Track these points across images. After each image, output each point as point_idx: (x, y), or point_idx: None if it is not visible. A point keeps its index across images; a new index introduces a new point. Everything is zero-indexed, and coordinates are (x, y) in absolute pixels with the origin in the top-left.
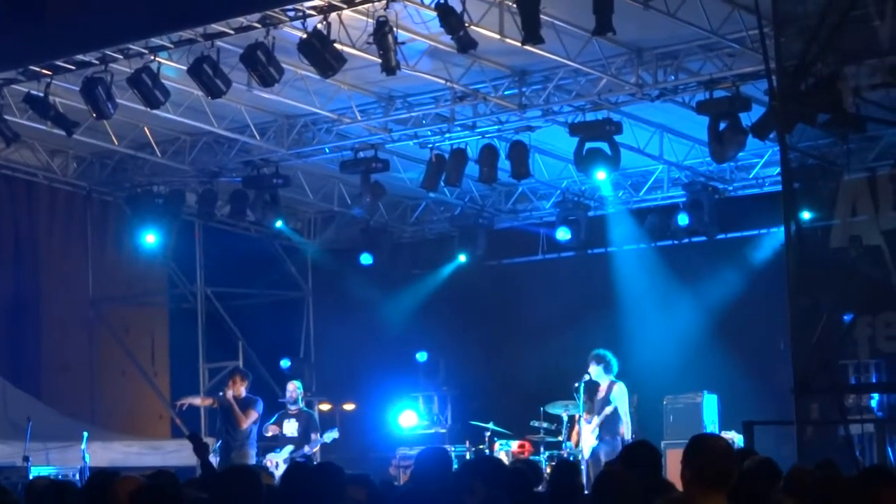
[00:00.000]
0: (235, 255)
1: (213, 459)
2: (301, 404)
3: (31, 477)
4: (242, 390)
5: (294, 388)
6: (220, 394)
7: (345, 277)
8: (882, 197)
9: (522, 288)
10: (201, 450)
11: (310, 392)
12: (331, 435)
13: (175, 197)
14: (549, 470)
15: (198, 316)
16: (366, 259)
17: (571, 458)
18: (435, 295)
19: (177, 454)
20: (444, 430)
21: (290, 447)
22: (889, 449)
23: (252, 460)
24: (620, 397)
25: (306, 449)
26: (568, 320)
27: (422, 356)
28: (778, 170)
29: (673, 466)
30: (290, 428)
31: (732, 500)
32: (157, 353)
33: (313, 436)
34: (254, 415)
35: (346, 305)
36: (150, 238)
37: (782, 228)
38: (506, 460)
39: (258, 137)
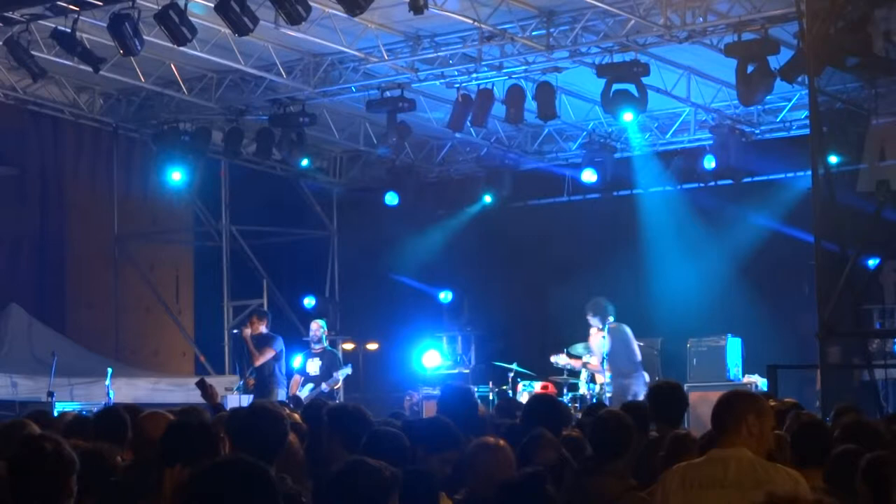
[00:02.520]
0: (261, 194)
1: (239, 397)
2: (325, 343)
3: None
4: (262, 328)
5: (318, 326)
6: (236, 331)
7: (370, 217)
8: None
9: (547, 229)
10: (208, 395)
11: (333, 331)
12: (344, 371)
13: (201, 134)
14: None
15: (222, 254)
16: (391, 199)
17: (594, 399)
18: (460, 236)
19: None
20: (467, 371)
21: (310, 385)
22: None
23: (276, 397)
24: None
25: (324, 386)
26: (593, 262)
27: (446, 297)
28: (806, 113)
29: (696, 408)
30: (314, 366)
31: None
32: (181, 290)
33: (335, 374)
34: (270, 352)
35: (370, 245)
36: (176, 175)
37: (809, 172)
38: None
39: (285, 76)
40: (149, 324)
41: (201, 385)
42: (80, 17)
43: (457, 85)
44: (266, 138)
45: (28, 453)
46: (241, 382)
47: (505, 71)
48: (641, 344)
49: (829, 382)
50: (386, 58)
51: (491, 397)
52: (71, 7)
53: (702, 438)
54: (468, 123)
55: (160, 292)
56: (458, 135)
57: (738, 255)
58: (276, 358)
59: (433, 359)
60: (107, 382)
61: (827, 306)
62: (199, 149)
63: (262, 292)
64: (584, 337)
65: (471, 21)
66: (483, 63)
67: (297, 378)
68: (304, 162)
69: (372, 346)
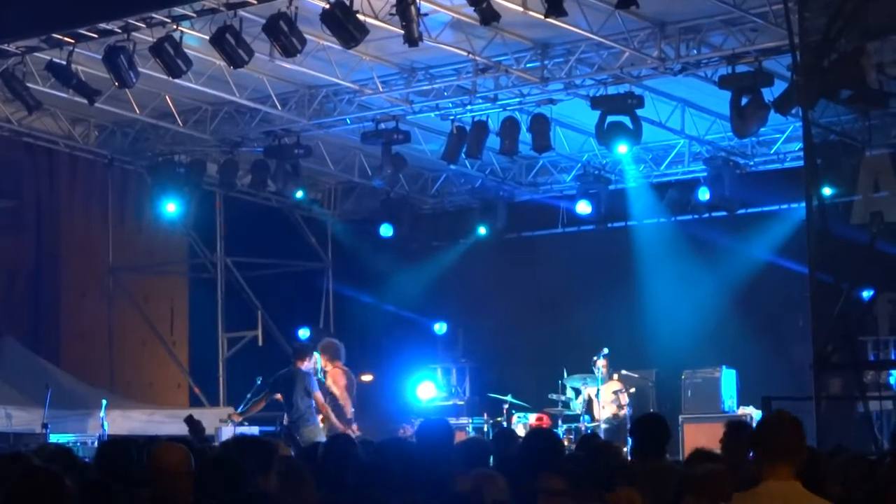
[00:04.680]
0: (256, 226)
1: (234, 429)
2: (320, 375)
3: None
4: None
5: (316, 359)
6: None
7: (365, 249)
8: None
9: (542, 261)
10: (197, 430)
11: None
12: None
13: (196, 166)
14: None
15: (217, 286)
16: (386, 230)
17: (589, 431)
18: (455, 267)
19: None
20: (461, 402)
21: None
22: None
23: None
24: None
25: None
26: (587, 294)
27: (441, 328)
28: (799, 145)
29: (690, 440)
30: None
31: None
32: (176, 322)
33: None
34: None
35: (365, 276)
36: (171, 207)
37: (803, 204)
38: (523, 433)
39: (280, 108)
40: (143, 355)
41: (190, 421)
42: (76, 50)
43: (451, 117)
44: (261, 170)
45: (28, 484)
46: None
47: (500, 103)
48: (635, 376)
49: (825, 414)
50: (381, 90)
51: (486, 429)
52: (66, 39)
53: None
54: (463, 155)
55: (154, 324)
56: (452, 167)
57: (733, 287)
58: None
59: (428, 390)
60: (101, 414)
61: (821, 338)
62: (194, 180)
63: (256, 324)
64: (581, 368)
65: (465, 53)
66: (478, 95)
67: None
68: (299, 194)
69: (366, 378)
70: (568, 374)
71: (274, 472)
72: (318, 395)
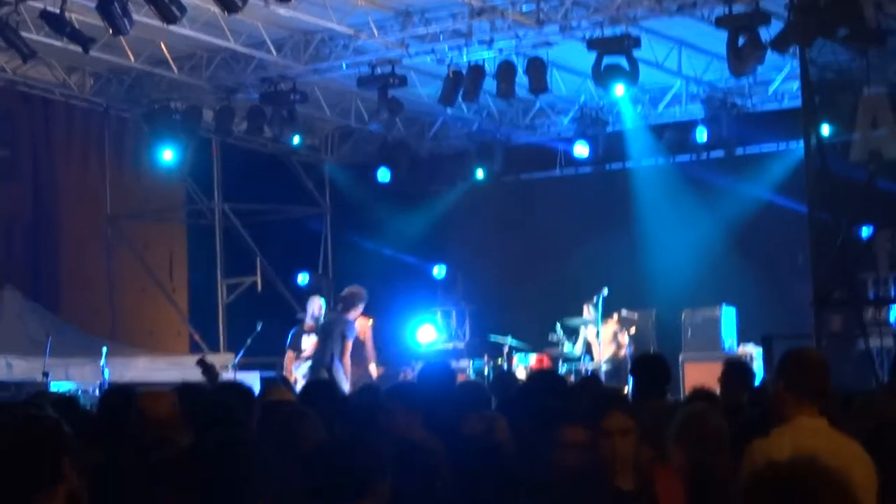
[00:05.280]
0: (253, 172)
1: (234, 374)
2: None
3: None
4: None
5: (320, 305)
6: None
7: (362, 193)
8: None
9: (540, 203)
10: (211, 375)
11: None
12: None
13: (192, 113)
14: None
15: (215, 232)
16: (383, 175)
17: (590, 372)
18: (453, 210)
19: (196, 370)
20: (462, 345)
21: (309, 363)
22: None
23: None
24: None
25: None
26: (586, 235)
27: (440, 272)
28: (797, 84)
29: (691, 379)
30: (310, 343)
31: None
32: (175, 269)
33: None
34: None
35: (363, 221)
36: (168, 154)
37: (802, 143)
38: (524, 374)
39: (275, 53)
40: (143, 303)
41: (202, 363)
42: None
43: (447, 61)
44: (257, 116)
45: (27, 432)
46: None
47: (496, 46)
48: (635, 316)
49: (826, 352)
50: (376, 34)
51: (486, 371)
52: None
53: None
54: (459, 99)
55: (154, 271)
56: (449, 110)
57: (732, 227)
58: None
59: (428, 334)
60: (102, 362)
61: (820, 276)
62: (191, 128)
63: (255, 270)
64: (579, 310)
65: None
66: (474, 39)
67: (290, 354)
68: (296, 139)
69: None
70: (568, 316)
71: (255, 417)
72: (349, 343)
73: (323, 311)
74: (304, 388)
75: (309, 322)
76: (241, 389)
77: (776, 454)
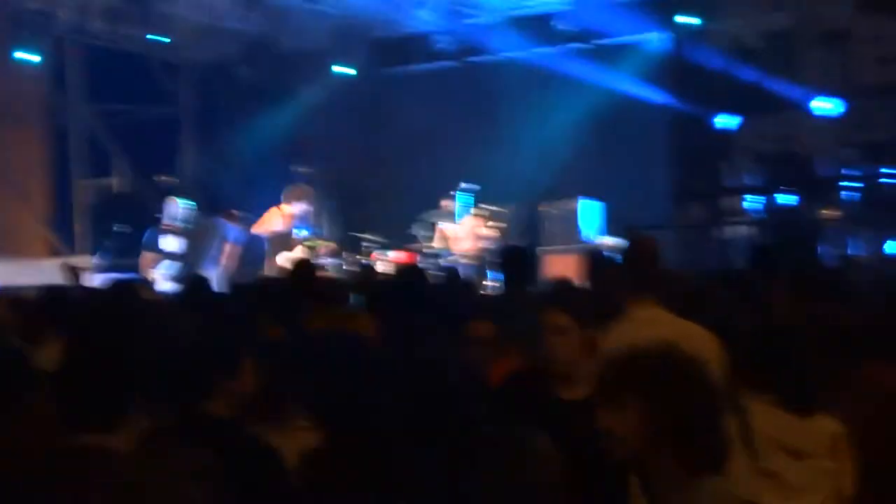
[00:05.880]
0: (110, 72)
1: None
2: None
3: None
4: None
5: (177, 204)
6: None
7: (223, 93)
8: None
9: (401, 98)
10: (73, 277)
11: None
12: None
13: (47, 11)
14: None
15: (73, 134)
16: (244, 72)
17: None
18: (315, 107)
19: (58, 273)
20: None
21: (167, 262)
22: None
23: None
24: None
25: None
26: (447, 129)
27: (303, 171)
28: None
29: (551, 271)
30: (172, 244)
31: None
32: (33, 171)
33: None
34: None
35: (224, 120)
36: (24, 55)
37: (664, 32)
38: (387, 270)
39: None
40: (1, 207)
41: (67, 267)
42: None
43: None
44: (114, 14)
45: None
46: None
47: None
48: (496, 210)
49: (687, 243)
50: None
51: (344, 267)
52: None
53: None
54: None
55: (11, 175)
56: (307, 5)
57: (594, 119)
58: None
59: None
60: None
61: (680, 166)
62: (46, 27)
63: (114, 171)
64: (437, 205)
65: None
66: None
67: (147, 255)
68: (154, 37)
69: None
70: (427, 210)
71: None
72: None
73: (184, 212)
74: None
75: (167, 222)
76: (109, 291)
77: (616, 343)
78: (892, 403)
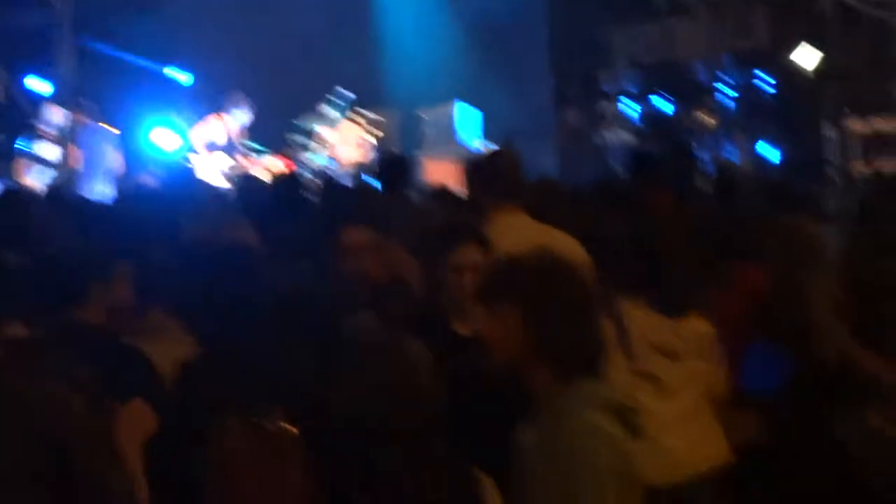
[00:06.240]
0: None
1: None
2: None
3: None
4: None
5: (58, 111)
6: None
7: None
8: None
9: (277, 7)
10: None
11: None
12: None
13: None
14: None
15: None
16: None
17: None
18: (192, 12)
19: None
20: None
21: (42, 168)
22: None
23: None
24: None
25: None
26: (323, 34)
27: (186, 79)
28: None
29: (431, 176)
30: (52, 152)
31: None
32: None
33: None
34: None
35: (100, 26)
36: None
37: None
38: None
39: None
40: None
41: None
42: None
43: None
44: None
45: None
46: None
47: None
48: (375, 116)
49: (567, 150)
50: None
51: (224, 173)
52: None
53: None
54: None
55: None
56: None
57: (473, 25)
58: None
59: (168, 138)
60: None
61: (559, 72)
62: None
63: None
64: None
65: None
66: None
67: (22, 161)
68: None
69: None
70: (303, 115)
71: None
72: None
73: (62, 119)
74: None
75: (44, 128)
76: None
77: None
78: (757, 303)
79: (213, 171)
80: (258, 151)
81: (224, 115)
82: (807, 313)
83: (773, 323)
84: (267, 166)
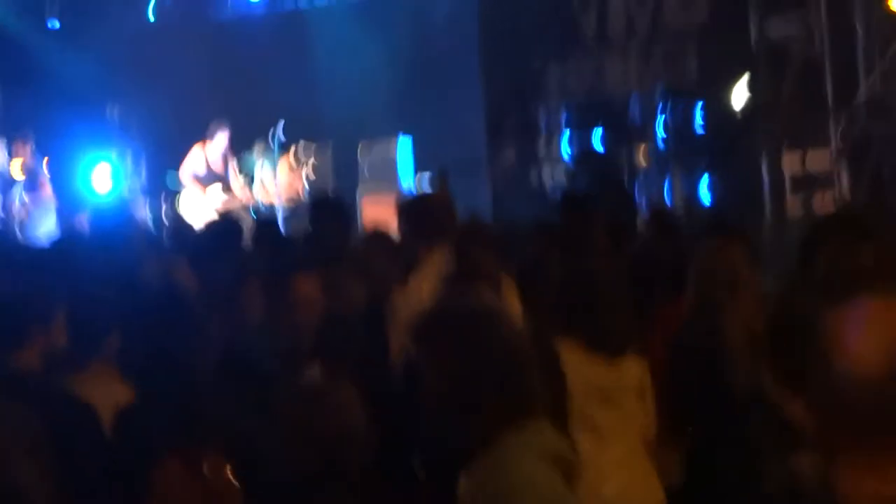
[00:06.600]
0: None
1: None
2: None
3: None
4: None
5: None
6: None
7: (31, 42)
8: None
9: (216, 41)
10: None
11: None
12: None
13: None
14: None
15: None
16: (52, 23)
17: (267, 217)
18: (124, 51)
19: None
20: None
21: None
22: None
23: None
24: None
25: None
26: (262, 70)
27: (112, 113)
28: None
29: (369, 215)
30: None
31: None
32: None
33: None
34: None
35: (31, 65)
36: None
37: None
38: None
39: None
40: None
41: None
42: None
43: None
44: None
45: None
46: None
47: None
48: (312, 148)
49: (501, 186)
50: None
51: (161, 212)
52: None
53: None
54: None
55: None
56: None
57: (406, 56)
58: None
59: (105, 177)
60: None
61: (494, 105)
62: None
63: None
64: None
65: None
66: None
67: None
68: None
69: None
70: (242, 154)
71: None
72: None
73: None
74: None
75: None
76: None
77: (411, 296)
78: (678, 344)
79: (206, 204)
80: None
81: (207, 142)
82: (719, 340)
83: (684, 349)
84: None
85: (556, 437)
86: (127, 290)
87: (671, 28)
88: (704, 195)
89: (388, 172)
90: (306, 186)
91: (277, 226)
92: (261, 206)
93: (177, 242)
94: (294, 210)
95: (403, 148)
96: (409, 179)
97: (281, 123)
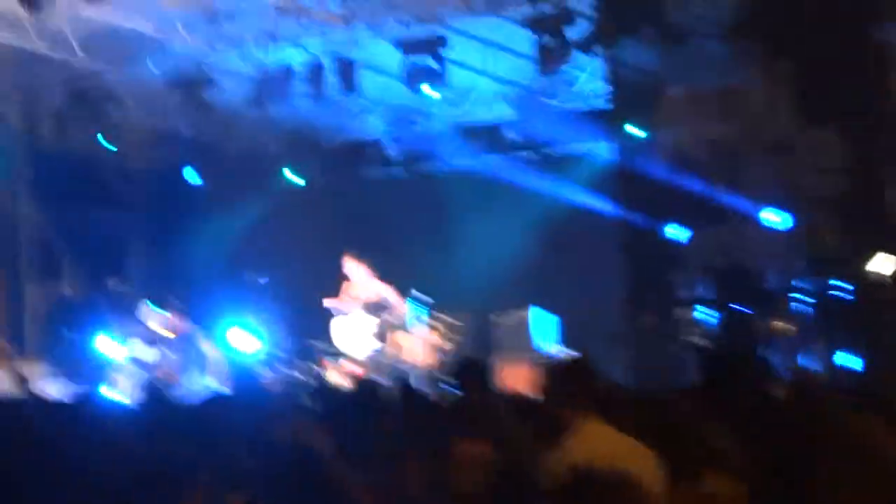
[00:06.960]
0: (61, 174)
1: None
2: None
3: None
4: None
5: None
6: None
7: (173, 197)
8: (705, 110)
9: (352, 205)
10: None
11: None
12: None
13: None
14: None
15: (23, 235)
16: (193, 177)
17: (408, 383)
18: (265, 213)
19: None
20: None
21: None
22: None
23: None
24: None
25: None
26: (397, 237)
27: (255, 278)
28: (600, 83)
29: (504, 381)
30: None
31: None
32: None
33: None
34: None
35: (175, 226)
36: None
37: (611, 143)
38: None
39: (81, 54)
40: None
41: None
42: None
43: (255, 61)
44: (64, 117)
45: None
46: None
47: (304, 45)
48: (448, 319)
49: (640, 353)
50: (183, 34)
51: (297, 374)
52: None
53: None
54: (269, 100)
55: None
56: (257, 112)
57: (544, 227)
58: None
59: (243, 338)
60: None
61: (632, 277)
62: None
63: (66, 275)
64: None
65: None
66: (281, 38)
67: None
68: (104, 141)
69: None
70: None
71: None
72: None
73: (157, 318)
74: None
75: (139, 328)
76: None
77: (566, 462)
78: None
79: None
80: (334, 353)
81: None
82: None
83: None
84: (343, 367)
85: None
86: (258, 451)
87: (808, 196)
88: (850, 363)
89: (522, 342)
90: (443, 353)
91: (412, 386)
92: (397, 366)
93: (320, 405)
94: (428, 374)
95: (538, 317)
96: (547, 349)
97: (417, 291)
